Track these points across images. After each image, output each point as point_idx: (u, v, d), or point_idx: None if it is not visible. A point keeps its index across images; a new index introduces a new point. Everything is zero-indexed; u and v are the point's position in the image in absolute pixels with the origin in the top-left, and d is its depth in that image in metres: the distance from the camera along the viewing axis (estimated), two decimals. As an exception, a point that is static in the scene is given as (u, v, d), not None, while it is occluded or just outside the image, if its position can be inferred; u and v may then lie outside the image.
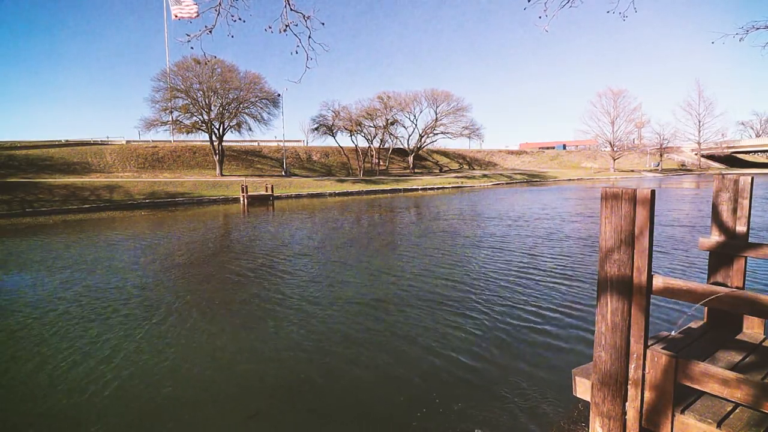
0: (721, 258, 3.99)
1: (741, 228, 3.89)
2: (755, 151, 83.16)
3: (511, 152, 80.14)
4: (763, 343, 3.63)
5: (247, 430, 3.98)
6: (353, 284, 8.66)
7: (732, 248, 3.88)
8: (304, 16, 4.35)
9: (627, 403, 2.74)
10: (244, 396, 4.52)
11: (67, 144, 43.59)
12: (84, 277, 9.70)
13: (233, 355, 5.52)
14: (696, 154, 77.41)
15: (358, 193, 40.39)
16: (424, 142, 61.38)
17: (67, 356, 5.51)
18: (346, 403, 4.35)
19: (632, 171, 71.98)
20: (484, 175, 58.76)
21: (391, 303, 7.33)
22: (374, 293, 7.96)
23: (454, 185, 49.02)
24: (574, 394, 3.17)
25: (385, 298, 7.60)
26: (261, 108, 46.32)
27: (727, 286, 3.80)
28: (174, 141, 48.69)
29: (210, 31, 4.23)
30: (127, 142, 48.79)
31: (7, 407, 4.46)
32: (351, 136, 53.12)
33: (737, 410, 2.65)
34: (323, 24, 4.46)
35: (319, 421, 4.07)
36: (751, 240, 3.93)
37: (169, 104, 41.59)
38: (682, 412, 2.66)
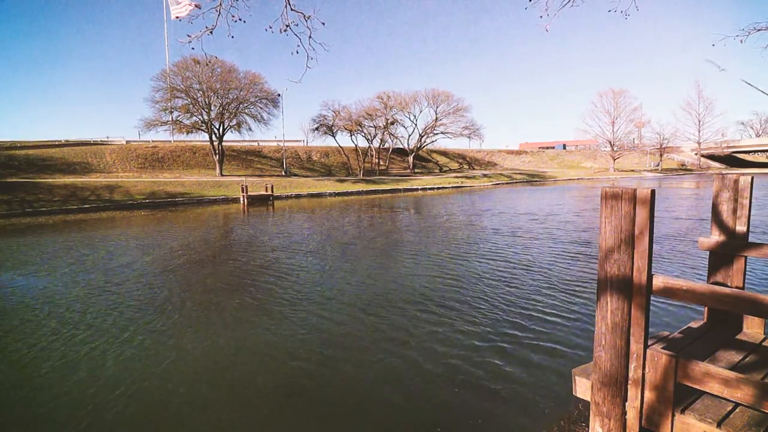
0: (721, 258, 3.99)
1: (741, 228, 3.89)
2: (755, 151, 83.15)
3: (511, 152, 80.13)
4: (764, 343, 3.63)
5: (248, 430, 3.98)
6: (354, 283, 8.66)
7: (732, 248, 3.88)
8: (304, 16, 4.35)
9: (627, 403, 2.74)
10: (246, 396, 4.52)
11: (67, 144, 43.59)
12: (84, 277, 9.70)
13: (234, 354, 5.52)
14: (696, 154, 77.40)
15: (358, 193, 40.39)
16: (424, 142, 61.36)
17: (67, 357, 5.51)
18: (346, 403, 4.35)
19: (632, 171, 71.97)
20: (485, 175, 58.76)
21: (390, 304, 7.33)
22: (374, 293, 7.96)
23: (454, 185, 49.02)
24: (574, 394, 3.18)
25: (384, 299, 7.60)
26: (261, 108, 46.32)
27: (727, 286, 3.80)
28: (174, 141, 48.69)
29: (210, 32, 4.24)
30: (127, 142, 48.78)
31: (5, 409, 4.46)
32: (351, 136, 53.14)
33: (737, 410, 2.65)
34: (324, 24, 4.46)
35: (319, 421, 4.07)
36: (751, 240, 3.93)
37: (169, 104, 41.57)
38: (682, 412, 2.66)
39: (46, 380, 4.91)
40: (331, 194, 38.60)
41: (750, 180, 3.81)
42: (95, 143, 45.99)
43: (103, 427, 4.03)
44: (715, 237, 4.02)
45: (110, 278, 9.47)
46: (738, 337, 3.78)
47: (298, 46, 4.44)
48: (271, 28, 4.27)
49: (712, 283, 4.01)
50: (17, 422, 4.20)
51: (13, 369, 5.26)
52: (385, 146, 58.47)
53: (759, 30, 5.45)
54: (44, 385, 4.80)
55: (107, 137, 49.40)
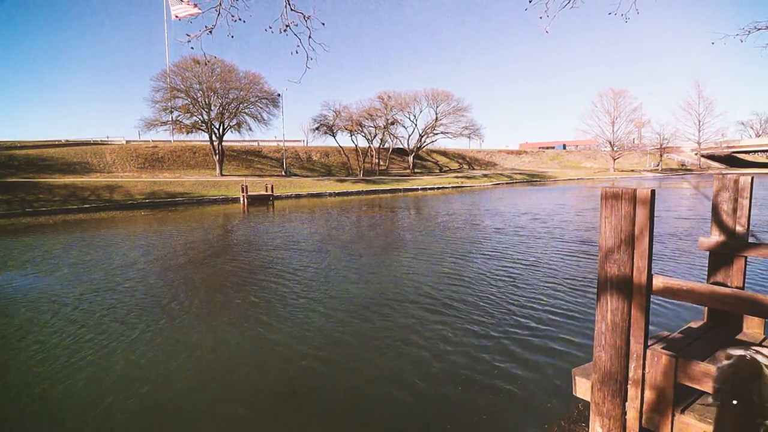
0: (721, 258, 3.99)
1: (741, 228, 3.89)
2: (755, 151, 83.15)
3: (511, 152, 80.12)
4: (763, 343, 3.63)
5: (251, 429, 3.98)
6: (355, 284, 8.66)
7: (732, 248, 3.88)
8: (304, 16, 4.35)
9: (627, 403, 2.74)
10: (250, 395, 4.52)
11: (67, 144, 43.57)
12: (85, 277, 9.70)
13: (238, 353, 5.52)
14: (696, 154, 77.38)
15: (358, 193, 40.39)
16: (424, 142, 61.34)
17: (76, 356, 5.51)
18: (347, 404, 4.35)
19: (632, 171, 71.95)
20: (485, 175, 58.75)
21: (392, 303, 7.33)
22: (375, 293, 7.96)
23: (454, 185, 49.01)
24: (574, 394, 3.17)
25: (385, 298, 7.60)
26: (261, 108, 46.30)
27: (727, 286, 3.80)
28: (174, 141, 48.68)
29: (210, 32, 4.23)
30: (127, 142, 48.78)
31: (7, 410, 4.46)
32: (351, 136, 53.13)
33: (737, 410, 2.64)
34: (323, 24, 4.46)
35: (320, 422, 4.07)
36: (751, 240, 3.93)
37: (169, 104, 41.56)
38: (682, 412, 2.66)
39: (56, 380, 4.91)
40: (331, 194, 38.59)
41: (750, 180, 3.81)
42: (95, 143, 45.97)
43: (110, 427, 4.03)
44: (715, 237, 4.02)
45: (113, 278, 9.47)
46: (738, 337, 3.78)
47: (298, 46, 4.44)
48: (270, 28, 4.27)
49: (712, 283, 4.01)
50: (29, 422, 4.20)
51: (24, 369, 5.26)
52: (385, 146, 58.44)
53: (759, 29, 5.46)
54: (55, 385, 4.79)
55: (107, 137, 49.41)
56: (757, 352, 0.78)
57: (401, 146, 61.08)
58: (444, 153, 70.14)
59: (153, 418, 4.18)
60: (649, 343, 2.77)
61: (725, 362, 0.81)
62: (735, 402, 0.74)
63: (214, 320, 6.73)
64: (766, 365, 0.76)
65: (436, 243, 13.12)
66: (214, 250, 13.07)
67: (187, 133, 43.30)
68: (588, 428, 3.25)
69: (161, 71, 43.01)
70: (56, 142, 43.79)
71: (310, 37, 4.42)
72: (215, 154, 43.07)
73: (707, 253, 4.11)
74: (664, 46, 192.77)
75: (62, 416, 4.23)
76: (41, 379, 4.96)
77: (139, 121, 42.52)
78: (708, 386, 2.46)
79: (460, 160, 70.43)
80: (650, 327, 2.80)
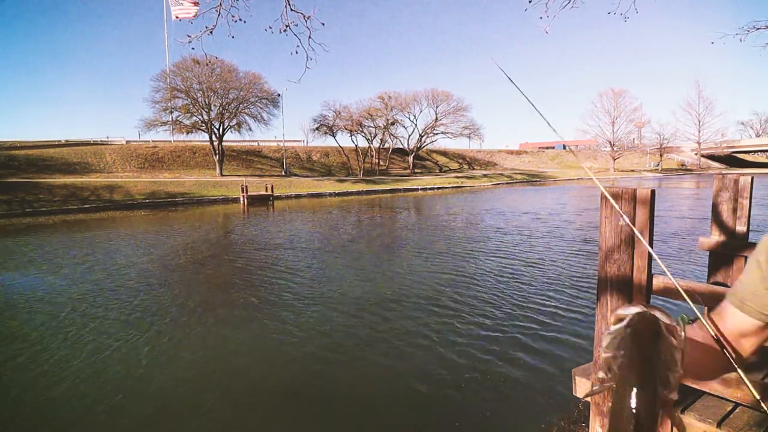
0: (721, 258, 3.99)
1: (741, 228, 3.89)
2: (755, 151, 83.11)
3: (511, 152, 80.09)
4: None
5: (253, 429, 3.99)
6: (357, 283, 8.66)
7: (732, 248, 3.87)
8: (304, 16, 4.34)
9: (627, 403, 2.73)
10: (253, 395, 4.52)
11: (67, 144, 43.55)
12: (86, 277, 9.70)
13: (242, 353, 5.52)
14: (696, 154, 77.34)
15: (358, 193, 40.38)
16: (424, 142, 61.32)
17: (71, 359, 5.51)
18: (349, 403, 4.35)
19: (632, 171, 71.93)
20: (485, 175, 58.74)
21: (392, 303, 7.33)
22: (375, 293, 7.96)
23: (454, 185, 49.01)
24: (574, 394, 3.18)
25: (385, 298, 7.60)
26: (261, 108, 46.32)
27: (727, 286, 3.80)
28: (174, 141, 48.64)
29: (211, 32, 4.23)
30: (127, 142, 48.74)
31: (8, 409, 4.46)
32: (351, 136, 53.13)
33: (737, 410, 2.64)
34: (323, 24, 4.45)
35: (322, 422, 4.07)
36: (751, 240, 3.93)
37: (169, 104, 41.57)
38: (682, 412, 2.66)
39: (63, 379, 4.91)
40: (331, 194, 38.59)
41: (750, 180, 3.80)
42: (95, 143, 45.94)
43: (114, 427, 4.04)
44: (715, 237, 4.02)
45: (116, 278, 9.47)
46: (738, 337, 3.77)
47: (298, 46, 4.43)
48: (270, 28, 4.26)
49: (712, 283, 4.00)
50: (38, 422, 4.21)
51: (14, 370, 5.26)
52: (385, 146, 58.42)
53: (758, 29, 5.46)
54: (74, 386, 4.79)
55: (107, 137, 49.38)
56: (653, 307, 0.73)
57: (401, 146, 61.02)
58: (444, 153, 70.11)
59: (157, 417, 4.18)
60: (649, 343, 2.76)
61: (617, 326, 0.74)
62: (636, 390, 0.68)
63: (217, 320, 6.73)
64: (665, 322, 0.71)
65: (438, 242, 13.12)
66: (215, 250, 13.08)
67: (187, 133, 43.32)
68: (588, 428, 3.25)
69: (161, 71, 43.02)
70: (56, 143, 43.76)
71: (310, 37, 4.41)
72: (215, 154, 43.06)
73: (707, 252, 4.11)
74: (664, 46, 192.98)
75: (68, 414, 4.24)
76: (49, 377, 4.96)
77: (139, 122, 42.59)
78: (708, 386, 2.46)
79: (460, 160, 70.40)
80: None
